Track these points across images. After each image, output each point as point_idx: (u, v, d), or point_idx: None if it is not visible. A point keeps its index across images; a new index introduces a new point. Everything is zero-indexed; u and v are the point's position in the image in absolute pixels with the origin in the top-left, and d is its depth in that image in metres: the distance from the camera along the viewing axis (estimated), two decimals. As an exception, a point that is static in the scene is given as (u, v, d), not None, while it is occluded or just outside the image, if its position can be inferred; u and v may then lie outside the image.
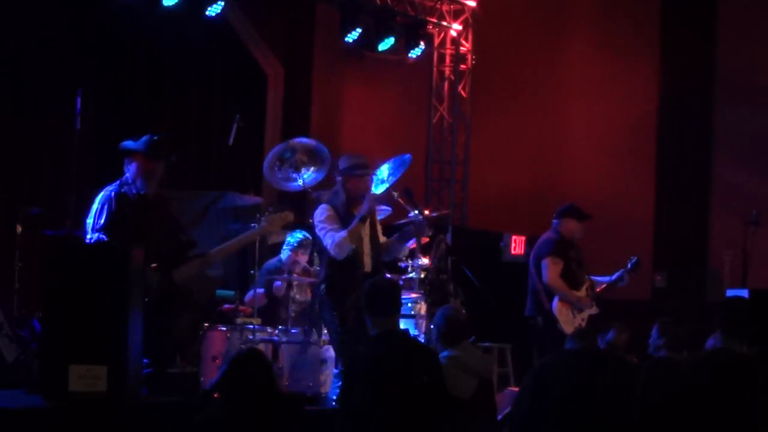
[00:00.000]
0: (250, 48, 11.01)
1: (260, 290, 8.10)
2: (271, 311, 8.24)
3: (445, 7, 11.92)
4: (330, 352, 7.23)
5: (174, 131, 10.43)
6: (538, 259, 8.56)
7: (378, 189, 8.34)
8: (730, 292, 8.94)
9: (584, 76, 12.31)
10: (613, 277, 8.78)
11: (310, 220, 8.16)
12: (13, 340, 7.87)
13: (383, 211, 8.34)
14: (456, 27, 12.04)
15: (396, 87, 12.02)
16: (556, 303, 8.41)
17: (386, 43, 11.13)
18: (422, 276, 8.01)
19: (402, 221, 8.38)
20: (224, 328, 7.53)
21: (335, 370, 7.02)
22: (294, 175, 8.11)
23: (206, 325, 7.50)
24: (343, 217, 6.96)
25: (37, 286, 8.37)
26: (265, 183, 8.72)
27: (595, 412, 5.30)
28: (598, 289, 8.68)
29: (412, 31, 11.42)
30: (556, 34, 12.37)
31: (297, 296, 8.05)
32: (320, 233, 6.94)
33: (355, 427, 5.17)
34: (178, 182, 8.60)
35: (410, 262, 8.16)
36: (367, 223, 7.07)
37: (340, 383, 6.69)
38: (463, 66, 12.19)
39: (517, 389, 6.69)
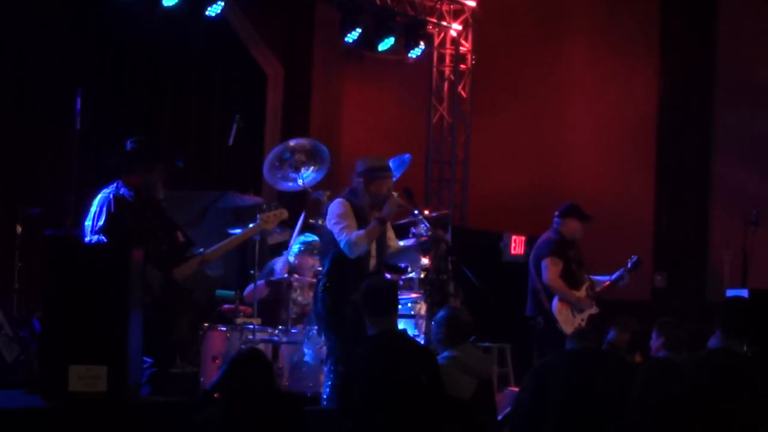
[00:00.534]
0: (250, 48, 11.01)
1: (260, 282, 8.08)
2: (272, 311, 8.24)
3: (445, 7, 11.92)
4: (330, 351, 7.22)
5: (173, 131, 10.49)
6: (537, 260, 8.56)
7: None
8: (730, 292, 8.95)
9: (584, 76, 12.31)
10: (614, 276, 8.79)
11: (311, 220, 8.19)
12: (13, 340, 7.87)
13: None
14: (456, 27, 12.04)
15: (396, 87, 12.01)
16: (555, 303, 8.42)
17: (386, 43, 11.13)
18: (422, 276, 8.01)
19: (402, 221, 8.39)
20: (224, 328, 7.53)
21: (326, 368, 6.98)
22: (293, 175, 8.11)
23: (206, 325, 7.51)
24: (362, 217, 6.84)
25: (37, 286, 8.38)
26: (265, 183, 8.72)
27: (595, 412, 5.30)
28: (598, 289, 8.68)
29: (412, 31, 11.42)
30: (556, 34, 12.37)
31: (299, 298, 8.02)
32: (334, 228, 6.79)
33: (354, 426, 5.18)
34: (178, 182, 8.60)
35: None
36: None
37: (329, 382, 6.70)
38: (463, 66, 12.18)
39: (517, 389, 6.70)
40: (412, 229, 8.20)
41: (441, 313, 6.24)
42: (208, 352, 7.43)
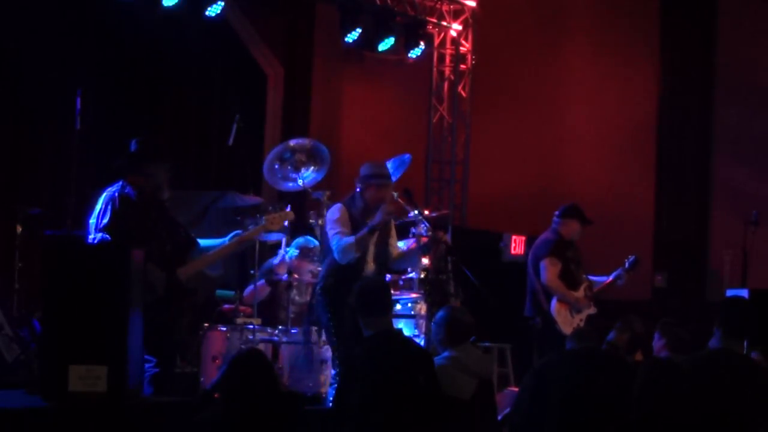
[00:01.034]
0: (249, 48, 11.01)
1: (261, 282, 8.09)
2: (272, 311, 8.24)
3: (445, 7, 11.92)
4: (330, 352, 7.22)
5: (173, 131, 10.49)
6: (536, 260, 8.56)
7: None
8: (730, 292, 8.94)
9: (584, 76, 12.31)
10: (611, 276, 8.78)
11: (311, 220, 8.19)
12: (13, 340, 7.87)
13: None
14: (456, 27, 12.04)
15: (396, 87, 12.01)
16: (554, 303, 8.41)
17: (386, 43, 11.13)
18: (422, 276, 8.02)
19: (402, 221, 8.39)
20: (224, 328, 7.52)
21: (333, 371, 7.01)
22: (293, 175, 8.11)
23: (206, 325, 7.51)
24: (356, 224, 6.89)
25: (37, 286, 8.37)
26: (265, 183, 8.72)
27: (595, 412, 5.30)
28: (596, 289, 8.67)
29: (412, 31, 11.42)
30: (556, 34, 12.37)
31: (296, 297, 8.03)
32: (329, 232, 6.89)
33: (352, 427, 5.17)
34: (179, 182, 8.60)
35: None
36: (374, 236, 7.03)
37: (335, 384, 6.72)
38: (463, 66, 12.19)
39: (517, 389, 6.70)
40: (412, 229, 8.20)
41: (440, 314, 6.24)
42: (208, 352, 7.43)
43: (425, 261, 8.06)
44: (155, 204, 6.60)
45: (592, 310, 8.54)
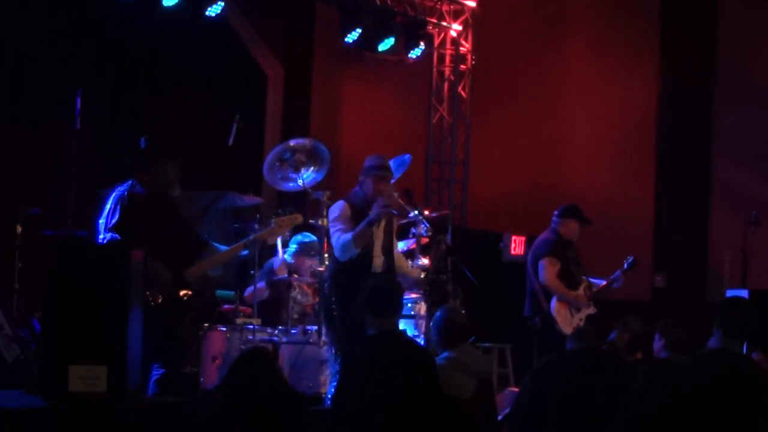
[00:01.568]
0: (249, 48, 11.01)
1: (261, 284, 8.08)
2: (272, 311, 8.23)
3: (445, 8, 11.92)
4: (329, 352, 7.22)
5: (173, 131, 10.49)
6: (535, 260, 8.56)
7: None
8: (730, 292, 8.95)
9: (584, 76, 12.31)
10: (610, 278, 8.76)
11: (311, 221, 8.19)
12: (13, 340, 7.87)
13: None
14: (456, 27, 12.04)
15: (396, 87, 12.01)
16: (554, 303, 8.41)
17: (386, 44, 11.14)
18: (422, 276, 8.02)
19: (402, 221, 8.39)
20: (224, 329, 7.52)
21: (332, 369, 7.01)
22: (293, 176, 8.11)
23: (206, 325, 7.50)
24: (359, 217, 6.88)
25: (37, 286, 8.38)
26: (265, 183, 8.71)
27: (595, 412, 5.30)
28: (596, 290, 8.67)
29: (412, 32, 11.42)
30: (556, 34, 12.37)
31: (299, 297, 8.03)
32: (330, 230, 6.92)
33: (351, 427, 5.17)
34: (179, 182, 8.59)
35: (410, 262, 8.16)
36: (381, 227, 7.01)
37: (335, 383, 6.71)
38: (463, 66, 12.19)
39: (517, 389, 6.70)
40: (413, 230, 8.20)
41: (436, 316, 6.24)
42: (208, 352, 7.43)
43: (425, 261, 8.06)
44: (165, 203, 6.55)
45: (591, 310, 8.53)
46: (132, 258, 5.82)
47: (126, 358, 5.58)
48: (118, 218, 6.31)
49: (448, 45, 12.24)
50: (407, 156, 8.73)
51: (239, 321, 7.59)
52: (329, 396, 6.83)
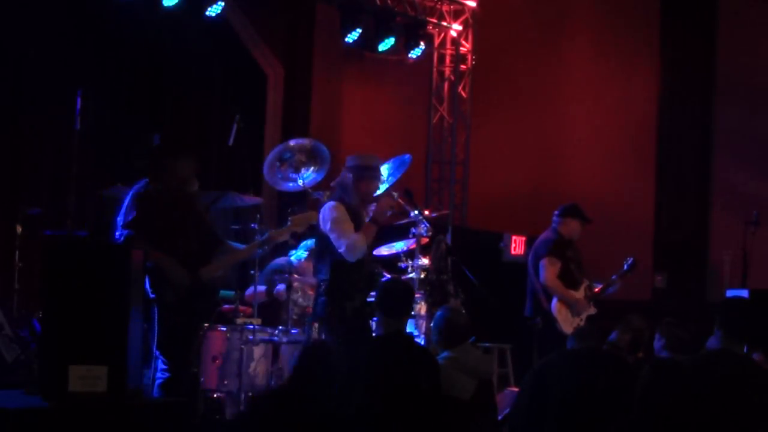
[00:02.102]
0: (250, 48, 11.01)
1: (261, 288, 8.08)
2: (272, 312, 8.23)
3: (445, 7, 11.92)
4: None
5: (173, 131, 10.48)
6: (536, 259, 8.56)
7: (378, 189, 8.34)
8: (730, 292, 8.95)
9: (584, 76, 12.31)
10: (606, 284, 8.74)
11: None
12: (13, 340, 7.87)
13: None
14: (456, 27, 12.04)
15: (396, 87, 12.02)
16: (554, 303, 8.41)
17: (386, 44, 11.14)
18: (422, 276, 8.02)
19: (402, 221, 8.39)
20: (224, 328, 7.52)
21: None
22: (294, 175, 8.10)
23: (206, 325, 7.49)
24: (355, 217, 6.76)
25: (37, 286, 8.37)
26: (265, 183, 8.72)
27: (595, 412, 5.30)
28: (597, 289, 8.67)
29: (412, 32, 11.42)
30: (556, 34, 12.37)
31: (300, 299, 8.00)
32: (331, 233, 6.68)
33: (352, 427, 5.17)
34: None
35: (410, 262, 8.17)
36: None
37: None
38: (463, 66, 12.19)
39: (517, 389, 6.70)
40: (413, 230, 8.20)
41: (437, 315, 6.25)
42: (208, 352, 7.43)
43: (425, 261, 8.07)
44: (183, 201, 6.41)
45: (592, 311, 8.53)
46: (132, 258, 5.82)
47: (126, 358, 5.58)
48: (134, 216, 6.23)
49: (448, 45, 12.24)
50: (407, 156, 8.73)
51: (239, 321, 7.59)
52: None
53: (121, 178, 8.32)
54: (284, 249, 8.50)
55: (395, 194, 7.58)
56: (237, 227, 8.45)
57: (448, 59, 12.27)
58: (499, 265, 10.55)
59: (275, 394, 5.10)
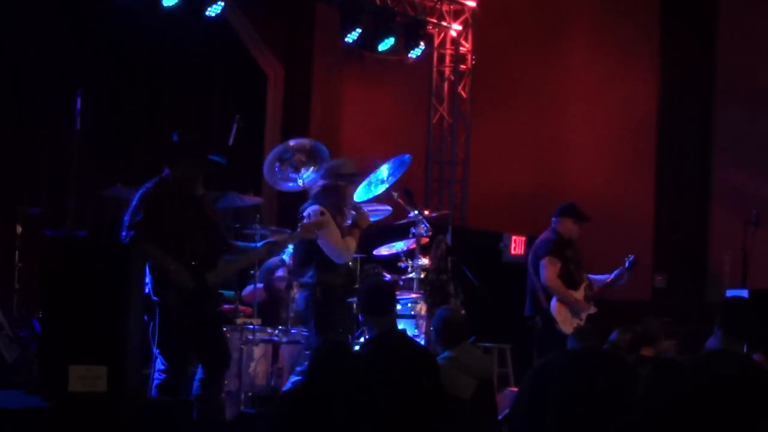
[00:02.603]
0: (249, 48, 11.01)
1: (259, 285, 8.07)
2: (272, 311, 8.23)
3: (445, 7, 11.92)
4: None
5: (172, 131, 10.47)
6: (536, 259, 8.56)
7: (378, 189, 8.35)
8: (730, 292, 8.95)
9: (584, 76, 12.31)
10: (612, 275, 8.76)
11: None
12: (13, 340, 7.87)
13: (383, 212, 8.35)
14: (456, 27, 12.04)
15: (396, 87, 12.02)
16: (554, 303, 8.41)
17: (386, 44, 11.14)
18: (422, 276, 8.02)
19: (402, 221, 8.39)
20: (224, 328, 7.51)
21: (299, 368, 6.98)
22: (293, 175, 8.10)
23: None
24: (337, 221, 6.97)
25: (37, 286, 8.37)
26: (264, 183, 8.72)
27: (595, 412, 5.30)
28: (596, 289, 8.67)
29: (412, 31, 11.42)
30: (556, 34, 12.37)
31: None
32: (321, 238, 6.84)
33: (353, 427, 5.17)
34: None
35: (410, 262, 8.17)
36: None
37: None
38: (462, 66, 12.19)
39: (517, 389, 6.70)
40: (412, 230, 8.20)
41: (436, 315, 6.26)
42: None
43: (425, 261, 8.07)
44: (192, 203, 6.37)
45: (592, 310, 8.53)
46: (133, 258, 5.82)
47: (126, 358, 5.58)
48: (142, 217, 6.19)
49: (448, 45, 12.25)
50: (407, 156, 8.73)
51: (239, 321, 7.59)
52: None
53: (121, 178, 8.33)
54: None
55: (395, 194, 7.61)
56: (237, 227, 8.44)
57: (448, 59, 12.27)
58: (499, 265, 10.55)
59: (291, 396, 5.11)
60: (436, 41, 12.21)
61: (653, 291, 11.94)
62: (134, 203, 6.24)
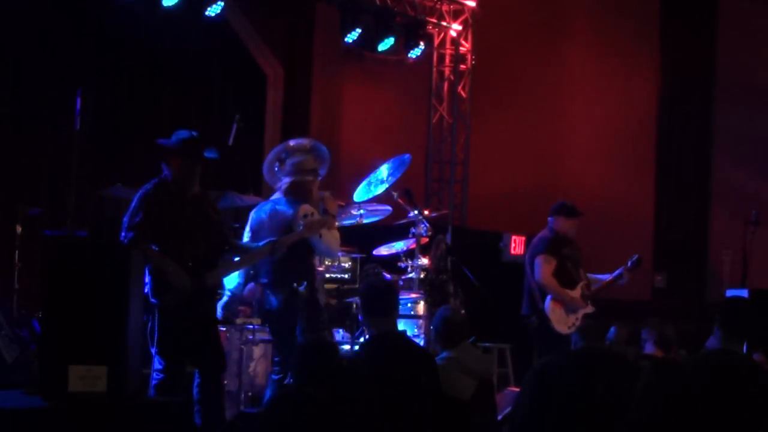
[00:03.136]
0: (249, 48, 11.01)
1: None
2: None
3: (444, 7, 11.92)
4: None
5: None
6: (532, 258, 8.53)
7: (378, 189, 8.36)
8: (730, 292, 8.95)
9: (584, 76, 12.31)
10: (614, 274, 8.74)
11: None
12: (13, 340, 7.87)
13: (383, 212, 8.35)
14: (456, 27, 12.04)
15: (396, 87, 12.02)
16: (548, 302, 8.36)
17: (386, 43, 11.13)
18: (422, 276, 8.02)
19: (402, 221, 8.39)
20: (224, 328, 7.51)
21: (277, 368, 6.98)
22: (293, 175, 8.08)
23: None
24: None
25: (37, 286, 8.37)
26: (264, 183, 8.71)
27: (596, 411, 5.30)
28: (595, 288, 8.63)
29: (411, 31, 11.42)
30: (556, 34, 12.37)
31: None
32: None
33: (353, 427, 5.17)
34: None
35: (410, 262, 8.16)
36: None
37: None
38: (462, 66, 12.19)
39: (517, 389, 6.69)
40: (412, 230, 8.20)
41: (436, 315, 6.25)
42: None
43: (425, 261, 8.06)
44: (191, 203, 6.37)
45: (589, 309, 8.50)
46: (132, 258, 5.82)
47: (126, 358, 5.58)
48: (141, 218, 6.17)
49: (447, 45, 12.25)
50: (407, 156, 8.74)
51: (239, 321, 7.58)
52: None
53: (121, 178, 8.33)
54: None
55: (395, 194, 7.61)
56: (237, 227, 8.43)
57: (447, 59, 12.28)
58: (498, 264, 10.55)
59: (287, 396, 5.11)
60: (436, 41, 12.22)
61: (653, 291, 11.95)
62: (134, 204, 6.23)
